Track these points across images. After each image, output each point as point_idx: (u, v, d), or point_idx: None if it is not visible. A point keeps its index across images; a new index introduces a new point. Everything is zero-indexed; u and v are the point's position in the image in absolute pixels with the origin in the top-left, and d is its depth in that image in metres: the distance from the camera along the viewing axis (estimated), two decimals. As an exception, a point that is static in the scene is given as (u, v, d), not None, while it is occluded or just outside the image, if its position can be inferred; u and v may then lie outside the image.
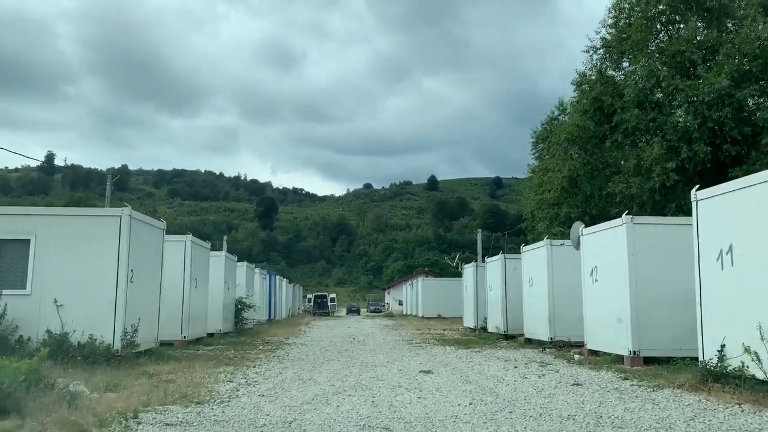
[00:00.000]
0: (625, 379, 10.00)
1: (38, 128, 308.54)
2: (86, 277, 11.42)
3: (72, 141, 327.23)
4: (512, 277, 20.91)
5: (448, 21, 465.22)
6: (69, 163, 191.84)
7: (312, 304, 59.26)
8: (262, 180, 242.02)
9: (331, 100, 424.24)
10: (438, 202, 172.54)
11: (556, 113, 34.85)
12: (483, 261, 26.17)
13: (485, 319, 24.84)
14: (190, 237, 16.81)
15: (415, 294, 45.55)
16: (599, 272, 13.71)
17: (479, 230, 54.61)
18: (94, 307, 11.21)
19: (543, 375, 10.78)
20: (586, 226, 15.35)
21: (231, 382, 9.51)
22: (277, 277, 36.49)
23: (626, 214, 12.55)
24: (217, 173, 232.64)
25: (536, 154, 36.28)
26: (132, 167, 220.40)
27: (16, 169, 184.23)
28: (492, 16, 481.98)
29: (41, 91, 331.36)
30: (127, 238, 11.58)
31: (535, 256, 18.09)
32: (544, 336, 17.26)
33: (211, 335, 20.13)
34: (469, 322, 26.58)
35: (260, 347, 16.80)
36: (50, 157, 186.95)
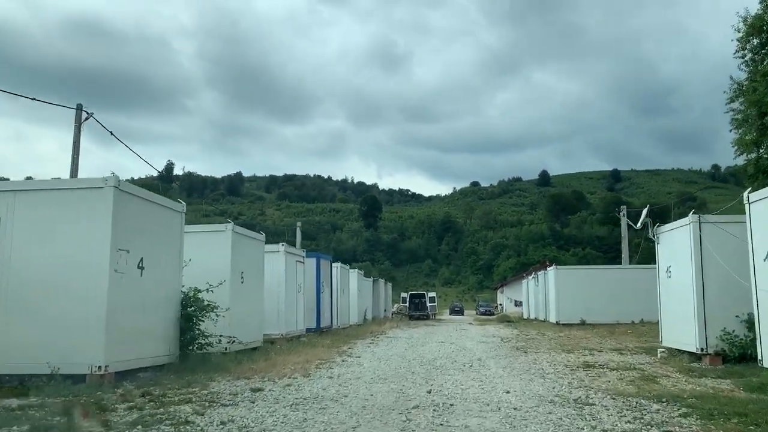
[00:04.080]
0: None
1: (160, 141, 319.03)
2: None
3: (192, 152, 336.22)
4: None
5: (557, 9, 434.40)
6: (186, 171, 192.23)
7: (407, 304, 46.33)
8: (368, 182, 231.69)
9: (436, 99, 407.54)
10: (552, 195, 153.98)
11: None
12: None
13: (726, 334, 10.93)
14: None
15: (543, 291, 31.19)
16: None
17: (624, 208, 39.40)
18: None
19: None
20: None
21: None
22: (338, 265, 23.79)
23: None
24: (325, 177, 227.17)
25: (746, 57, 21.37)
26: (246, 174, 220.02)
27: (140, 179, 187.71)
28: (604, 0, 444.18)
29: (163, 105, 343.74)
30: None
31: None
32: None
33: (77, 380, 7.82)
34: (679, 338, 12.42)
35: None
36: (170, 166, 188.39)
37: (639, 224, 13.86)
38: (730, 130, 20.69)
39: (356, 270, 28.90)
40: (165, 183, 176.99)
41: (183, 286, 10.31)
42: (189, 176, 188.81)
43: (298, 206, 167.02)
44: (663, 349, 13.00)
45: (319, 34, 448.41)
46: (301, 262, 17.92)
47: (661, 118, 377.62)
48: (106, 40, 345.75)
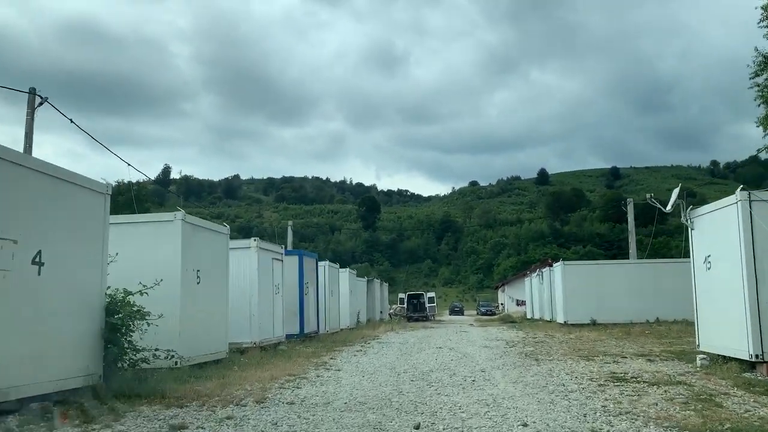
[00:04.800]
0: None
1: (159, 145, 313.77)
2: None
3: (190, 155, 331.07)
4: None
5: (554, 7, 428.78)
6: (183, 174, 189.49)
7: (405, 305, 44.09)
8: (367, 183, 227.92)
9: (435, 100, 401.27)
10: (552, 193, 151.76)
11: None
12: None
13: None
14: None
15: (549, 288, 28.98)
16: None
17: (630, 201, 37.26)
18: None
19: None
20: None
21: None
22: (325, 263, 21.51)
23: None
24: (324, 178, 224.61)
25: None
26: (244, 176, 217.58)
27: (137, 183, 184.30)
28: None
29: (161, 108, 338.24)
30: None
31: None
32: None
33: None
34: (723, 342, 10.21)
35: None
36: (167, 170, 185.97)
37: (669, 207, 11.71)
38: (759, 105, 18.56)
39: (347, 269, 26.63)
40: (162, 186, 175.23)
41: (109, 287, 8.11)
42: (186, 179, 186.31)
43: (296, 208, 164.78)
44: (703, 355, 10.80)
45: (317, 36, 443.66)
46: (279, 259, 15.71)
47: (660, 115, 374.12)
48: (104, 44, 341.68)
